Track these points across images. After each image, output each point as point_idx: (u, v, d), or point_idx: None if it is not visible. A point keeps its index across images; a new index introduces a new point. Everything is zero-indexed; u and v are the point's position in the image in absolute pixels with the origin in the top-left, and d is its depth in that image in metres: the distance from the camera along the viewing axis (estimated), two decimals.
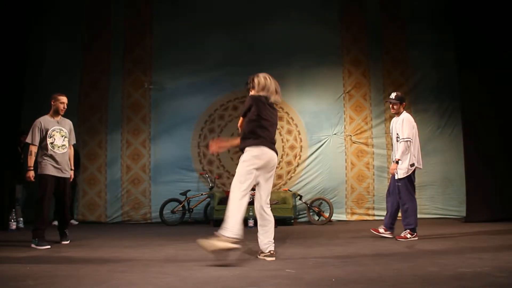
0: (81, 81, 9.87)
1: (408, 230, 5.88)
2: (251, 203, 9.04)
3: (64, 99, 6.02)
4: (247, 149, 4.43)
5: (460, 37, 8.72)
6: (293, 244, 5.73)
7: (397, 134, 6.01)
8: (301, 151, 9.72)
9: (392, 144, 6.29)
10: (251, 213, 8.36)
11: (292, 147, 9.76)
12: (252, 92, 4.58)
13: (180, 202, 9.01)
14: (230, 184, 10.05)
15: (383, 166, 9.54)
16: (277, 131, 9.65)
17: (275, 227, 8.07)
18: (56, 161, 5.83)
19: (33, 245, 5.58)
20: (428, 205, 9.37)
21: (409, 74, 9.81)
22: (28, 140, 5.81)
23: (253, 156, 4.37)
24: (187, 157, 9.73)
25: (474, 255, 4.34)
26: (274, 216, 8.95)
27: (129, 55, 9.98)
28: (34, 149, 5.80)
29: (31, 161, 5.78)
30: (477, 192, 8.27)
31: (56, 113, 5.98)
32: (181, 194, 9.07)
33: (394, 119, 6.18)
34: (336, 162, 9.63)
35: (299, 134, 9.77)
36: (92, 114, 9.85)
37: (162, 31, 10.01)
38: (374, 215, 9.44)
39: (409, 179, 5.95)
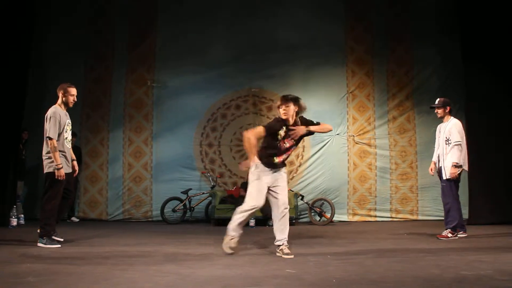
0: (84, 78, 9.84)
1: (449, 230, 6.00)
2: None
3: (75, 91, 5.62)
4: None
5: (466, 37, 8.64)
6: (294, 244, 5.71)
7: (447, 138, 6.15)
8: (303, 151, 9.69)
9: (435, 148, 6.48)
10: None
11: None
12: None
13: (181, 200, 8.99)
14: (231, 183, 9.97)
15: (385, 167, 9.50)
16: None
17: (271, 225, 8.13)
18: (66, 158, 5.56)
19: (40, 244, 5.32)
20: (430, 206, 9.30)
21: (414, 74, 9.76)
22: (51, 134, 5.33)
23: None
24: (189, 156, 9.71)
25: (476, 258, 4.32)
26: None
27: (132, 52, 9.95)
28: (56, 144, 5.38)
29: (59, 158, 5.36)
30: (480, 195, 8.22)
31: (66, 105, 5.61)
32: (182, 192, 9.05)
33: (443, 124, 6.33)
34: (339, 163, 9.59)
35: None
36: (94, 111, 9.83)
37: (165, 29, 9.96)
38: (376, 216, 9.39)
39: (455, 180, 6.08)
